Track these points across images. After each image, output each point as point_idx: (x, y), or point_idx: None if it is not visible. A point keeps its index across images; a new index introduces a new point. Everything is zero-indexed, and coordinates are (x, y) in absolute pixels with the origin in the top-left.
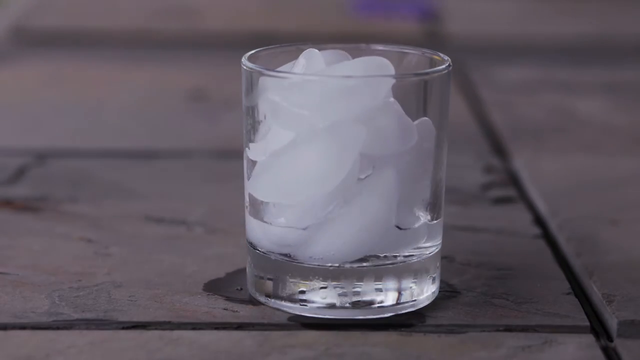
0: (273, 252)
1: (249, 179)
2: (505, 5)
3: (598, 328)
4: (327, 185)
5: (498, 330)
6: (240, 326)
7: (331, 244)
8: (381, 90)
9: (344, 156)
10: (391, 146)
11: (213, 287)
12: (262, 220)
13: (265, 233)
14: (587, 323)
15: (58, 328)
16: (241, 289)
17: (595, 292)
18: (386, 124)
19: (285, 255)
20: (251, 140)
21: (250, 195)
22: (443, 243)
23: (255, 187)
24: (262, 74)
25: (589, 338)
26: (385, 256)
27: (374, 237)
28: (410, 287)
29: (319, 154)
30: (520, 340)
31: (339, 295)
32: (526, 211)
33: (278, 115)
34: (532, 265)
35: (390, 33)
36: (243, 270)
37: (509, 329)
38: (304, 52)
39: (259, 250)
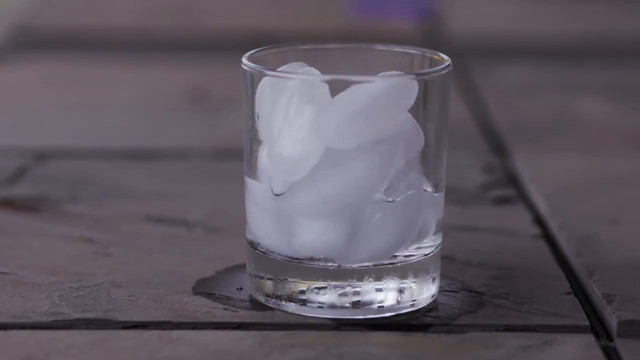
0: (273, 252)
1: (277, 192)
2: (506, 6)
3: (598, 328)
4: (371, 197)
5: (498, 330)
6: (240, 326)
7: (372, 249)
8: (414, 94)
9: (385, 167)
10: (413, 151)
11: (213, 286)
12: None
13: (293, 246)
14: (587, 323)
15: (58, 328)
16: (241, 288)
17: (595, 292)
18: (410, 130)
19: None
20: (253, 140)
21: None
22: (443, 243)
23: (297, 202)
24: (290, 79)
25: (589, 338)
26: None
27: (409, 237)
28: (410, 287)
29: (364, 167)
30: (520, 340)
31: (339, 295)
32: (526, 211)
33: (323, 128)
34: (532, 265)
35: (390, 33)
36: (243, 269)
37: (509, 329)
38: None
39: (259, 250)
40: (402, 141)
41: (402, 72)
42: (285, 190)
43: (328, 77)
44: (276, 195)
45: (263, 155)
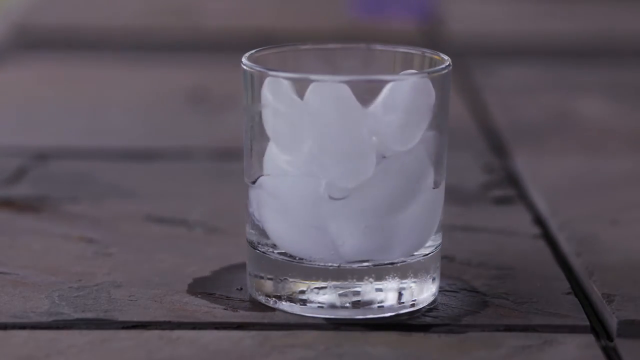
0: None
1: (337, 196)
2: (506, 6)
3: (598, 328)
4: (423, 190)
5: (498, 330)
6: (240, 326)
7: (414, 242)
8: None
9: (431, 159)
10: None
11: (213, 286)
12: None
13: (342, 252)
14: (587, 323)
15: (58, 328)
16: (241, 288)
17: (595, 292)
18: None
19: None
20: (253, 140)
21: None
22: (443, 243)
23: (356, 206)
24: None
25: (589, 338)
26: None
27: (436, 227)
28: (410, 287)
29: (421, 163)
30: (520, 340)
31: (339, 295)
32: (526, 211)
33: (384, 132)
34: (532, 265)
35: (390, 33)
36: (243, 269)
37: (509, 329)
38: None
39: (258, 250)
40: (435, 134)
41: (416, 71)
42: (345, 194)
43: (349, 78)
44: (334, 199)
45: (281, 160)
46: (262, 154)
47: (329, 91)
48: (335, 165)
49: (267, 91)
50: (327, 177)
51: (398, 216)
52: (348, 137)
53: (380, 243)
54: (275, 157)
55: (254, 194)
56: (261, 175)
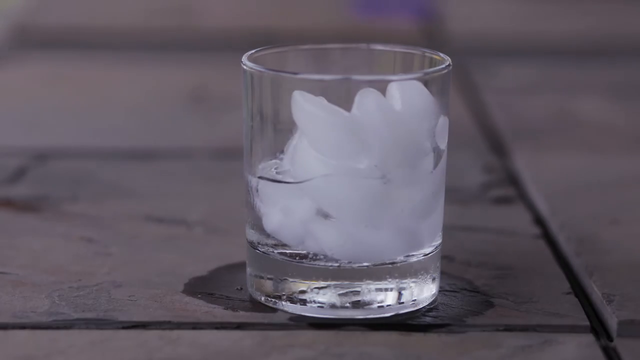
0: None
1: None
2: (506, 6)
3: (598, 328)
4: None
5: (498, 330)
6: (240, 326)
7: (431, 239)
8: None
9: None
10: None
11: (213, 286)
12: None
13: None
14: (587, 323)
15: (58, 328)
16: (241, 288)
17: (595, 292)
18: None
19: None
20: (253, 140)
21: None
22: (443, 243)
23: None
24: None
25: (589, 338)
26: None
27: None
28: (410, 287)
29: (445, 168)
30: (520, 340)
31: (339, 295)
32: (526, 211)
33: (437, 133)
34: (532, 265)
35: (390, 33)
36: (243, 269)
37: (509, 328)
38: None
39: (258, 250)
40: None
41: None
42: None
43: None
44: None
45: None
46: (262, 154)
47: (378, 97)
48: (399, 166)
49: (303, 99)
50: (390, 177)
51: (433, 214)
52: (411, 140)
53: (417, 241)
54: (317, 160)
55: (300, 195)
56: (317, 177)
